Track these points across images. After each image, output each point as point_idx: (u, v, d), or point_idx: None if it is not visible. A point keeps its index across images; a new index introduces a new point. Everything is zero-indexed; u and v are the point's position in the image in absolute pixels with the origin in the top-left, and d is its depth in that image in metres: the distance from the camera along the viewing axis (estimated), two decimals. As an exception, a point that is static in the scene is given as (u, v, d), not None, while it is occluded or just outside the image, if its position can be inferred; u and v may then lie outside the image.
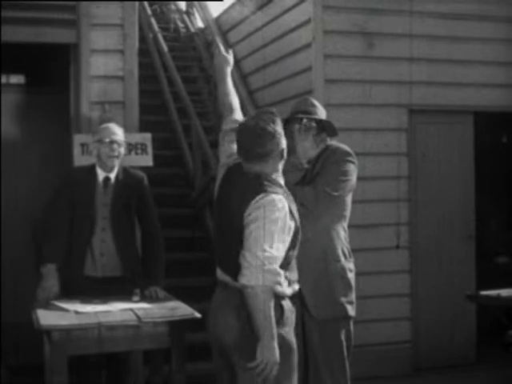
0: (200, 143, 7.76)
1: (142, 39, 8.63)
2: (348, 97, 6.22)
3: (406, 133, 6.40)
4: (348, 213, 4.02)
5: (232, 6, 8.66)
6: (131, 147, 5.50)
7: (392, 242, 6.28)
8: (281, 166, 3.32)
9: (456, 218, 6.64)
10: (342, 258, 3.95)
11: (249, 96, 7.79)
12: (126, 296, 4.29)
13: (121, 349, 4.09)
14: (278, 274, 3.09)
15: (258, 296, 3.04)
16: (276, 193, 3.15)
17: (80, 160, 5.39)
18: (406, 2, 6.33)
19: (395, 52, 6.33)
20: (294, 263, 3.27)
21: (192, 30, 10.52)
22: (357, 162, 4.01)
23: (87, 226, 4.64)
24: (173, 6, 11.00)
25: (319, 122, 4.00)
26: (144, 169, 5.21)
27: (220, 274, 3.32)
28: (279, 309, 3.16)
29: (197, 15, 10.66)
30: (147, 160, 5.65)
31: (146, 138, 5.70)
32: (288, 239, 3.18)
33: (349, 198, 4.01)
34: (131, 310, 4.02)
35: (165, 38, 9.92)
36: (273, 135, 3.21)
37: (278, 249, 3.10)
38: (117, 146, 4.65)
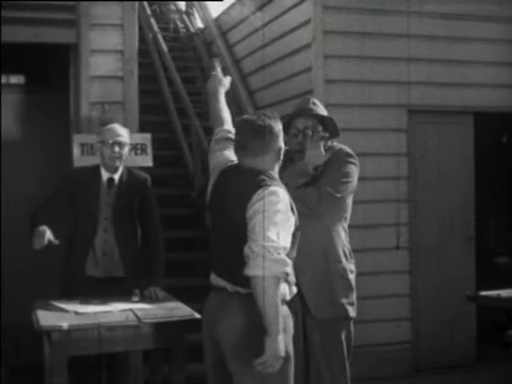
0: (200, 143, 7.75)
1: (142, 39, 8.62)
2: (348, 97, 6.22)
3: (406, 133, 6.40)
4: (349, 214, 4.03)
5: (232, 6, 8.65)
6: (131, 147, 5.49)
7: (392, 242, 6.28)
8: (277, 168, 3.32)
9: (456, 219, 6.64)
10: (343, 259, 3.95)
11: (248, 96, 7.79)
12: (125, 296, 4.29)
13: (120, 349, 4.09)
14: (285, 263, 3.04)
15: (265, 287, 2.99)
16: (276, 185, 3.16)
17: (80, 160, 5.39)
18: (405, 2, 6.34)
19: (395, 52, 6.34)
20: (291, 265, 3.18)
21: (192, 30, 10.51)
22: (358, 164, 4.01)
23: (90, 227, 4.64)
24: (172, 6, 10.99)
25: (321, 119, 4.00)
26: (144, 169, 5.21)
27: (214, 279, 3.29)
28: None
29: (196, 15, 10.65)
30: (147, 160, 5.65)
31: (146, 138, 5.71)
32: (291, 231, 3.15)
33: (350, 199, 4.01)
34: (131, 310, 4.02)
35: (164, 38, 9.91)
36: (271, 131, 3.23)
37: (284, 239, 3.07)
38: (120, 148, 4.64)
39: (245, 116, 3.38)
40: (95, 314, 3.93)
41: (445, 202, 6.58)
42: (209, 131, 8.11)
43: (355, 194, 4.07)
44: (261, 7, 7.44)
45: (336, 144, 4.06)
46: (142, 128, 5.87)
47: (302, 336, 3.88)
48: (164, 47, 9.56)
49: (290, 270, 3.09)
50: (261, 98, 7.51)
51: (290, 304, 3.21)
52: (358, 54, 6.25)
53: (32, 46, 5.82)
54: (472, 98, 6.58)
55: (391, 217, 6.31)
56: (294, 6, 6.62)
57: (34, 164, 6.94)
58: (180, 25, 10.67)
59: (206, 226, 7.41)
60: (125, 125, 5.18)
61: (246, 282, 3.07)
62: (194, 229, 7.54)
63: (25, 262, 6.66)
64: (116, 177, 4.70)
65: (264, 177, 3.18)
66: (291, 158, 3.95)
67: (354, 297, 3.96)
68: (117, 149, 4.62)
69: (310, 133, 3.95)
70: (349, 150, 4.02)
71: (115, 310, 4.02)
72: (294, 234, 3.20)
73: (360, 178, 4.04)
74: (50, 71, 6.88)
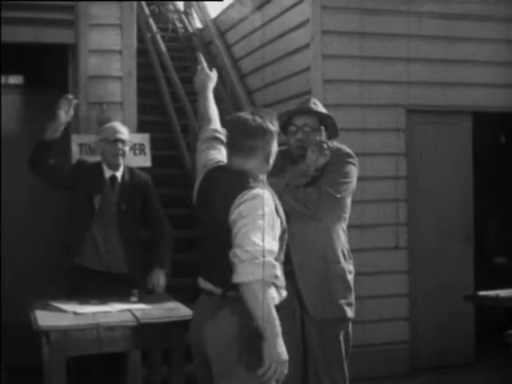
0: (199, 143, 7.74)
1: (141, 39, 8.62)
2: (346, 97, 6.22)
3: (405, 133, 6.40)
4: (348, 214, 4.04)
5: (230, 6, 8.65)
6: (130, 147, 5.49)
7: (391, 242, 6.29)
8: (266, 169, 3.24)
9: (455, 219, 6.64)
10: (342, 260, 3.95)
11: (247, 96, 7.79)
12: (124, 297, 4.30)
13: (119, 349, 4.09)
14: (274, 266, 2.98)
15: (255, 292, 2.92)
16: (261, 188, 3.07)
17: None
18: (404, 2, 6.35)
19: (393, 52, 6.34)
20: (279, 268, 3.08)
21: (190, 30, 10.52)
22: (357, 164, 4.02)
23: (87, 220, 4.66)
24: (171, 6, 10.99)
25: (321, 118, 4.00)
26: (142, 169, 5.22)
27: (201, 282, 3.25)
28: None
29: (195, 15, 10.65)
30: (146, 160, 5.66)
31: (145, 138, 5.71)
32: (277, 235, 3.09)
33: (349, 200, 4.02)
34: (129, 310, 4.02)
35: (163, 38, 9.91)
36: (264, 131, 3.16)
37: (269, 242, 2.99)
38: (121, 145, 4.71)
39: (239, 113, 3.32)
40: (94, 314, 3.93)
41: (443, 201, 6.59)
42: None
43: (354, 193, 4.08)
44: (259, 7, 7.45)
45: (335, 144, 4.07)
46: (141, 128, 5.87)
47: (300, 336, 3.88)
48: (162, 47, 9.55)
49: (278, 272, 3.03)
50: (260, 97, 7.51)
51: (277, 308, 3.06)
52: (356, 54, 6.25)
53: (31, 46, 5.83)
54: (471, 97, 6.58)
55: (390, 217, 6.31)
56: (293, 5, 6.62)
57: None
58: (179, 25, 10.67)
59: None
60: (123, 125, 5.18)
61: (233, 285, 3.01)
62: (193, 229, 7.54)
63: (25, 263, 6.67)
64: (118, 174, 4.76)
65: (249, 179, 3.10)
66: (293, 159, 3.95)
67: (352, 297, 3.97)
68: (120, 145, 4.69)
69: (308, 130, 3.95)
70: (348, 150, 4.03)
71: (114, 310, 4.03)
72: (280, 238, 3.13)
73: (359, 178, 4.05)
74: (48, 71, 6.88)
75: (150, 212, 4.84)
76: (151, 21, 10.09)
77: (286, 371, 3.00)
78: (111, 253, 4.69)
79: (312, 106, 4.03)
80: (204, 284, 3.25)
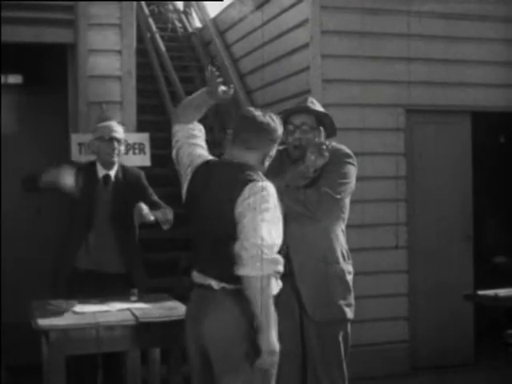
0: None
1: (140, 39, 8.61)
2: (346, 97, 6.22)
3: (404, 133, 6.40)
4: (346, 215, 4.03)
5: (230, 5, 8.65)
6: (129, 147, 5.51)
7: (391, 241, 6.29)
8: (261, 170, 3.24)
9: (454, 218, 6.64)
10: (341, 260, 3.94)
11: (247, 96, 7.78)
12: (124, 296, 4.30)
13: (119, 349, 4.10)
14: (278, 262, 3.03)
15: (259, 286, 2.95)
16: (264, 180, 3.11)
17: (78, 159, 5.41)
18: (404, 1, 6.34)
19: (393, 52, 6.34)
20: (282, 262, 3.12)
21: (190, 29, 10.51)
22: (356, 164, 4.01)
23: (84, 222, 4.65)
24: (170, 6, 10.98)
25: (319, 117, 4.00)
26: (142, 168, 5.21)
27: (197, 276, 3.22)
28: None
29: (194, 15, 10.64)
30: (145, 160, 5.66)
31: (144, 137, 5.72)
32: (281, 228, 3.12)
33: (347, 200, 4.01)
34: (129, 309, 4.02)
35: (162, 37, 9.90)
36: (271, 131, 3.21)
37: (276, 235, 3.03)
38: (117, 144, 4.70)
39: (250, 108, 3.35)
40: (93, 313, 3.93)
41: (443, 201, 6.59)
42: (207, 131, 8.13)
43: (354, 193, 4.07)
44: (258, 7, 7.44)
45: (334, 144, 4.06)
46: (140, 127, 5.88)
47: (299, 337, 3.88)
48: (162, 47, 9.54)
49: (281, 268, 3.07)
50: (259, 97, 7.51)
51: (277, 297, 3.12)
52: (355, 54, 6.25)
53: (30, 45, 5.83)
54: (470, 97, 6.58)
55: (390, 216, 6.32)
56: (292, 5, 6.61)
57: (33, 163, 6.92)
58: (178, 24, 10.66)
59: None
60: (123, 124, 5.19)
61: (234, 278, 3.02)
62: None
63: (24, 263, 6.67)
64: (112, 173, 4.74)
65: (252, 171, 3.13)
66: (292, 160, 3.95)
67: (351, 298, 3.96)
68: (115, 144, 4.68)
69: (306, 128, 3.94)
70: (347, 150, 4.02)
71: (113, 310, 4.03)
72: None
73: (358, 178, 4.04)
74: (47, 71, 6.88)
75: (148, 198, 4.80)
76: (151, 20, 10.08)
77: (276, 362, 3.04)
78: (106, 252, 4.67)
79: (309, 104, 4.02)
80: (200, 278, 3.21)
